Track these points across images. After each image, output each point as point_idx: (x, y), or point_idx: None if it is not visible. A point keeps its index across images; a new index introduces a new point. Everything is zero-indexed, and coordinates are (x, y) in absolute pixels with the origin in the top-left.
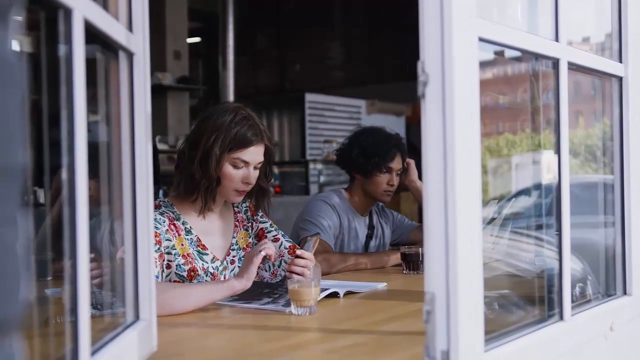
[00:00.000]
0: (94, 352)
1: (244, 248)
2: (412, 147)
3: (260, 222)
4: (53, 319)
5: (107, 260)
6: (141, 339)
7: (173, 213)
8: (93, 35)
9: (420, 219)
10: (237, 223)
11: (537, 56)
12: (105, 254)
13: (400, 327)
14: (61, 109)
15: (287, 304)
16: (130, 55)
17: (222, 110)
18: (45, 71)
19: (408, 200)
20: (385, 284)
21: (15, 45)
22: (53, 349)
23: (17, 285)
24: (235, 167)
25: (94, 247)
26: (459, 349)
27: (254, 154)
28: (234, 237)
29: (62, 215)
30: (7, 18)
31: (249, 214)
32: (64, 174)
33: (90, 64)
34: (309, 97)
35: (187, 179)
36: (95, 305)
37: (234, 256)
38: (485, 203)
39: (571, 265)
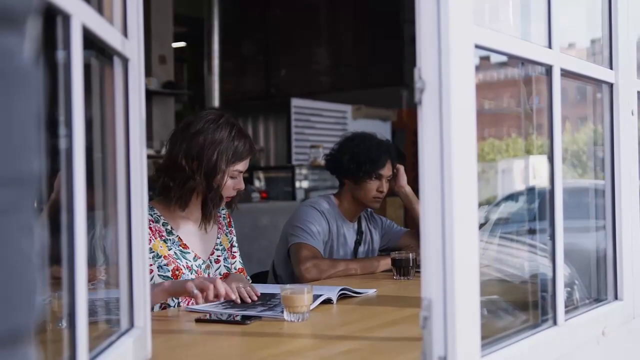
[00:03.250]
0: None
1: (227, 249)
2: (399, 152)
3: (233, 235)
4: (46, 326)
5: (97, 265)
6: (136, 346)
7: (152, 215)
8: (88, 40)
9: (406, 224)
10: (220, 225)
11: (531, 63)
12: (95, 259)
13: (393, 332)
14: (58, 115)
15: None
16: (125, 61)
17: (214, 124)
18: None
19: (394, 205)
20: (375, 290)
21: (31, 53)
22: (50, 357)
23: (34, 293)
24: (232, 177)
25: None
26: (457, 355)
27: (247, 163)
28: (218, 238)
29: (52, 219)
30: (23, 27)
31: (226, 221)
32: (63, 180)
33: (84, 70)
34: (295, 102)
35: (188, 192)
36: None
37: (218, 255)
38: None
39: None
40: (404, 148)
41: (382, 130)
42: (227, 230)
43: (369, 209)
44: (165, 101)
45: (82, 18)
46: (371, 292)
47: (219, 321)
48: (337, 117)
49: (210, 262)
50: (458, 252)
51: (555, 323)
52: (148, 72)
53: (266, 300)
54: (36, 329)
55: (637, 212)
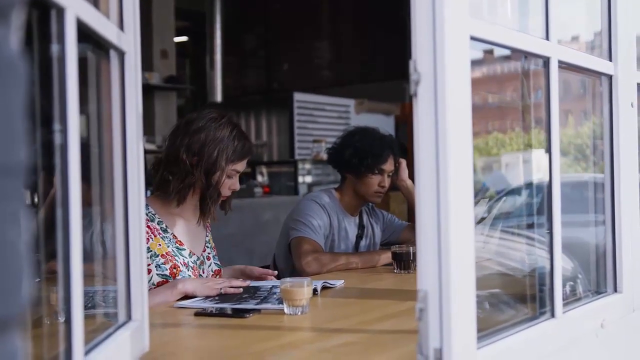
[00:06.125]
0: (87, 352)
1: (213, 247)
2: (401, 147)
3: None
4: (43, 320)
5: (98, 260)
6: (133, 339)
7: (147, 214)
8: (84, 34)
9: (409, 219)
10: (207, 224)
11: (528, 55)
12: (95, 255)
13: (392, 325)
14: (52, 109)
15: (281, 302)
16: (121, 55)
17: (216, 122)
18: (35, 70)
19: (397, 199)
20: (342, 281)
21: (17, 44)
22: (46, 350)
23: (21, 283)
24: (229, 177)
25: (84, 248)
26: (452, 347)
27: (245, 164)
28: (207, 236)
29: (52, 215)
30: (9, 17)
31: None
32: (57, 176)
33: (80, 63)
34: (298, 96)
35: (187, 187)
36: (85, 304)
37: (208, 253)
38: (476, 202)
39: (562, 264)
40: (407, 142)
41: (385, 124)
42: (210, 230)
43: (371, 203)
44: (167, 96)
45: (76, 11)
46: (338, 283)
47: (218, 314)
48: (339, 111)
49: (203, 259)
50: (454, 243)
51: (553, 315)
52: (150, 67)
53: (253, 293)
54: (24, 317)
55: (636, 204)
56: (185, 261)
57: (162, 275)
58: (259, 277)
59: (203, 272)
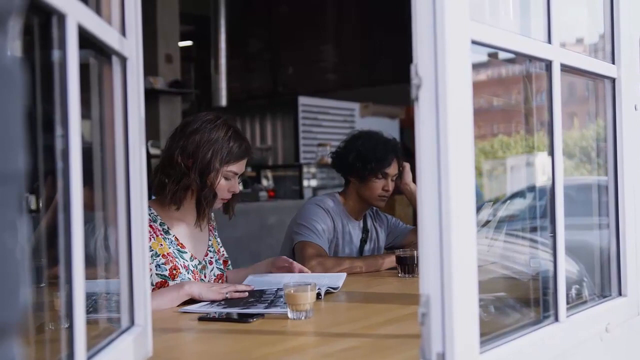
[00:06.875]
0: (89, 358)
1: (217, 251)
2: (406, 150)
3: (218, 238)
4: (47, 326)
5: (101, 266)
6: (136, 344)
7: (149, 215)
8: (86, 40)
9: (414, 222)
10: (210, 228)
11: (530, 58)
12: (99, 260)
13: (395, 330)
14: (54, 115)
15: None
16: (123, 60)
17: (211, 124)
18: (37, 76)
19: (402, 203)
20: (344, 274)
21: (14, 52)
22: (49, 355)
23: (18, 289)
24: (226, 178)
25: (87, 253)
26: (455, 351)
27: (243, 165)
28: (209, 240)
29: (56, 221)
30: (6, 25)
31: (214, 224)
32: (59, 180)
33: (83, 69)
34: (302, 100)
35: (182, 189)
36: (88, 309)
37: (211, 257)
38: (480, 205)
39: (567, 267)
40: (412, 146)
41: (390, 127)
42: (215, 234)
43: (375, 207)
44: (172, 100)
45: (77, 17)
46: (342, 279)
47: (222, 319)
48: (344, 115)
49: (205, 263)
50: (456, 248)
51: (556, 319)
52: (154, 72)
53: (258, 297)
54: (23, 324)
55: None
56: (186, 264)
57: (161, 275)
58: (289, 269)
59: (205, 277)
